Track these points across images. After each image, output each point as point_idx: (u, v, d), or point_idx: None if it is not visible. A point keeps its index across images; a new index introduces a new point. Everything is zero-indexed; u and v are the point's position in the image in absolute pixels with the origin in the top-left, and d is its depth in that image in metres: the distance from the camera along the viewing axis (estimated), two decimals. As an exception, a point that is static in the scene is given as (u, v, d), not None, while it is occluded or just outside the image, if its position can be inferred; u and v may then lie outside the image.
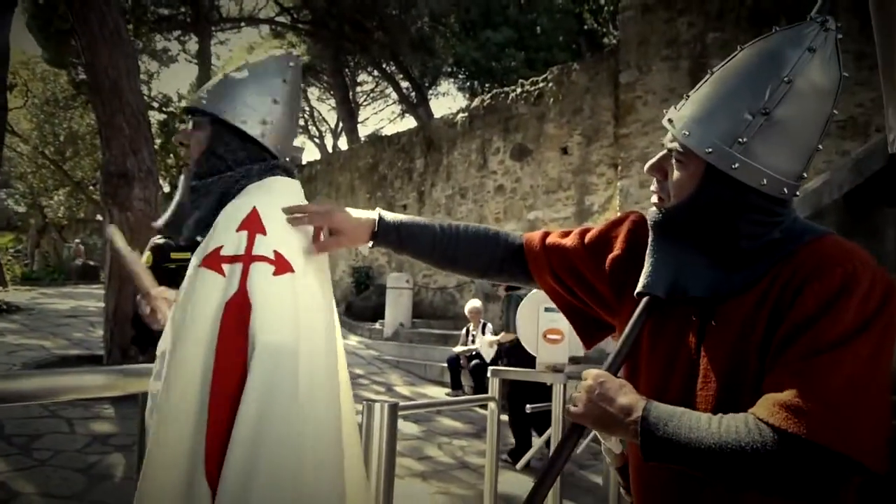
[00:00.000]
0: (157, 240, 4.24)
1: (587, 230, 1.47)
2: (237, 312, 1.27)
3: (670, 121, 1.20)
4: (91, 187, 24.64)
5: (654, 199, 1.25)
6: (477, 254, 1.51)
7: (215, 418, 1.20)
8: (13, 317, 9.92)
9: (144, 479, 1.21)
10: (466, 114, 14.72)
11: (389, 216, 1.49)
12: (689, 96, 1.20)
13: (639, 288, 1.24)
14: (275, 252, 1.35)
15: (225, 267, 1.32)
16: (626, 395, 1.13)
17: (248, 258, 1.33)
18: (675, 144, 1.18)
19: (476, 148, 14.27)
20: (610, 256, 1.38)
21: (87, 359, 7.59)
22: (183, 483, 1.18)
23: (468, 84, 21.79)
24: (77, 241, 27.60)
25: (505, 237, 1.54)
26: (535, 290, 4.21)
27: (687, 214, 1.18)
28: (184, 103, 25.50)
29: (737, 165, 1.10)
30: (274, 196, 1.47)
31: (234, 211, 1.42)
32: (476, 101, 14.88)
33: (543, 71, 13.61)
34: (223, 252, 1.34)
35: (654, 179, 1.25)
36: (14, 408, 5.43)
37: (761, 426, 1.00)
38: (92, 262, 24.05)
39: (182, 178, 1.63)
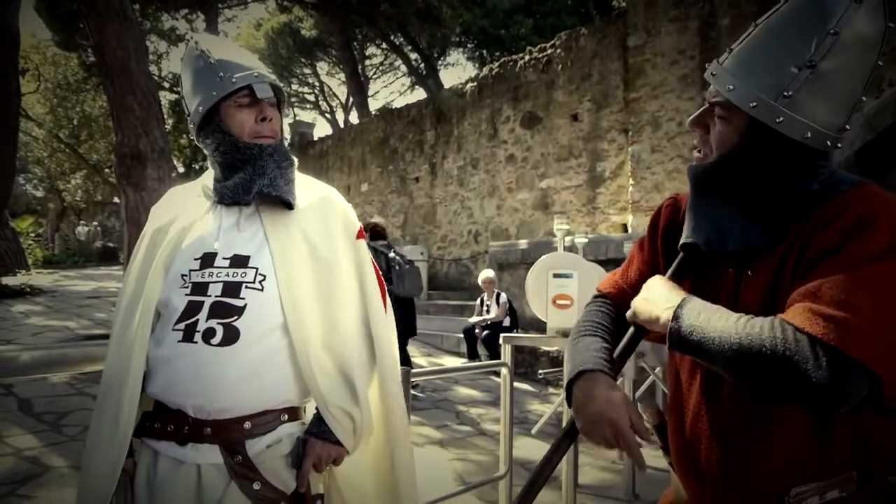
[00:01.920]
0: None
1: (641, 243, 1.49)
2: (378, 273, 1.79)
3: (713, 74, 1.19)
4: (107, 169, 24.82)
5: (696, 153, 1.26)
6: None
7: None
8: (37, 299, 10.12)
9: (384, 377, 1.70)
10: (475, 83, 14.65)
11: (605, 364, 1.29)
12: (731, 49, 1.20)
13: (682, 241, 1.26)
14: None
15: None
16: (672, 290, 1.20)
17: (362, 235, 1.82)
18: (719, 99, 1.18)
19: (486, 118, 14.22)
20: (659, 230, 1.42)
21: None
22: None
23: (477, 53, 21.61)
24: (95, 223, 27.92)
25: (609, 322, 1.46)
26: (544, 256, 4.26)
27: (729, 168, 1.18)
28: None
29: (781, 119, 1.10)
30: None
31: (340, 195, 1.83)
32: (485, 70, 14.79)
33: (552, 37, 13.48)
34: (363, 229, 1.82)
35: (697, 134, 1.25)
36: (42, 387, 5.60)
37: (784, 325, 1.00)
38: (111, 244, 24.34)
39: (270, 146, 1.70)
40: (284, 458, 1.54)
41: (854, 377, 0.95)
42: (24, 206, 31.26)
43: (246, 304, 1.55)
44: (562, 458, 1.21)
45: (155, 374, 1.55)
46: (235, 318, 1.53)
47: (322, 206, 1.74)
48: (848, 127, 1.14)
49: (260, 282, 1.58)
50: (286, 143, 1.77)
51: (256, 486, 1.49)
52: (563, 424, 3.73)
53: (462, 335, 9.18)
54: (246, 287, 1.57)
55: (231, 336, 1.51)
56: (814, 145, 1.11)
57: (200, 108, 1.65)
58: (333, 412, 1.56)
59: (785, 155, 1.13)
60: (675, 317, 1.11)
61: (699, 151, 1.25)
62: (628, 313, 1.26)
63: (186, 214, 1.71)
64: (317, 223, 1.69)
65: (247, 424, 1.51)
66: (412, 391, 7.08)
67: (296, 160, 1.76)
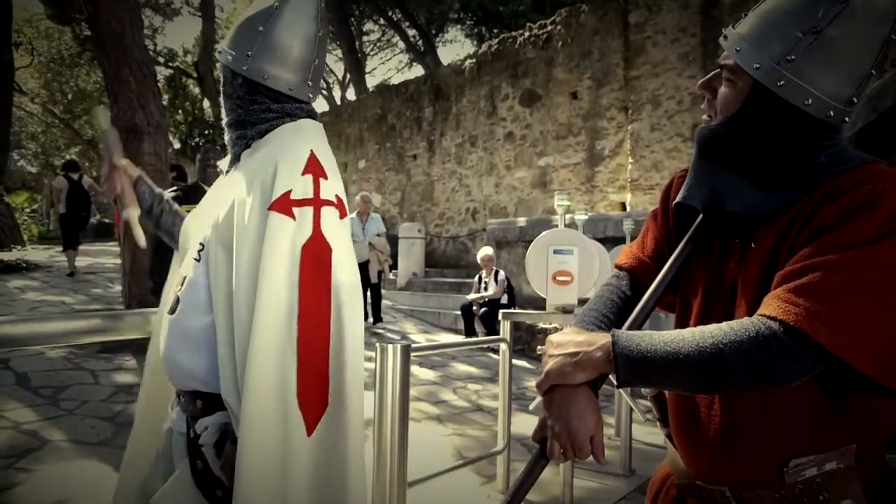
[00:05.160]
0: (168, 193, 4.31)
1: (654, 214, 1.45)
2: (316, 255, 1.37)
3: (725, 37, 1.19)
4: (102, 145, 24.67)
5: (704, 116, 1.25)
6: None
7: (306, 351, 1.33)
8: (33, 274, 10.07)
9: (244, 411, 1.31)
10: (474, 60, 14.52)
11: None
12: (745, 15, 1.19)
13: (678, 198, 1.25)
14: (336, 196, 1.46)
15: (295, 210, 1.39)
16: (581, 334, 1.15)
17: (317, 202, 1.41)
18: (728, 62, 1.17)
19: (485, 95, 14.12)
20: (670, 202, 1.38)
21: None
22: (277, 411, 1.31)
23: (475, 30, 21.45)
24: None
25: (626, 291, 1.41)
26: (545, 232, 4.24)
27: (731, 131, 1.17)
28: (189, 58, 25.30)
29: (782, 83, 1.09)
30: (318, 139, 1.55)
31: (294, 154, 1.46)
32: (483, 47, 14.66)
33: (552, 13, 13.35)
34: (293, 196, 1.40)
35: (705, 98, 1.25)
36: (39, 361, 5.59)
37: (747, 318, 1.03)
38: (107, 220, 24.25)
39: None
40: (213, 448, 1.44)
41: (815, 359, 0.98)
42: (19, 181, 31.09)
43: (187, 275, 1.52)
44: (536, 480, 1.17)
45: None
46: (180, 287, 1.52)
47: (256, 169, 1.47)
48: (856, 100, 1.12)
49: (199, 252, 1.51)
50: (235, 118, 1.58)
51: (198, 465, 1.43)
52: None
53: (459, 312, 9.19)
54: (193, 257, 1.54)
55: (175, 306, 1.51)
56: (814, 113, 1.10)
57: None
58: (230, 403, 1.38)
59: (786, 121, 1.12)
60: (617, 348, 1.06)
61: (708, 115, 1.24)
62: (540, 390, 1.17)
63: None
64: (245, 190, 1.45)
65: (199, 402, 1.47)
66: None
67: (227, 134, 1.61)
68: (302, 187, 1.41)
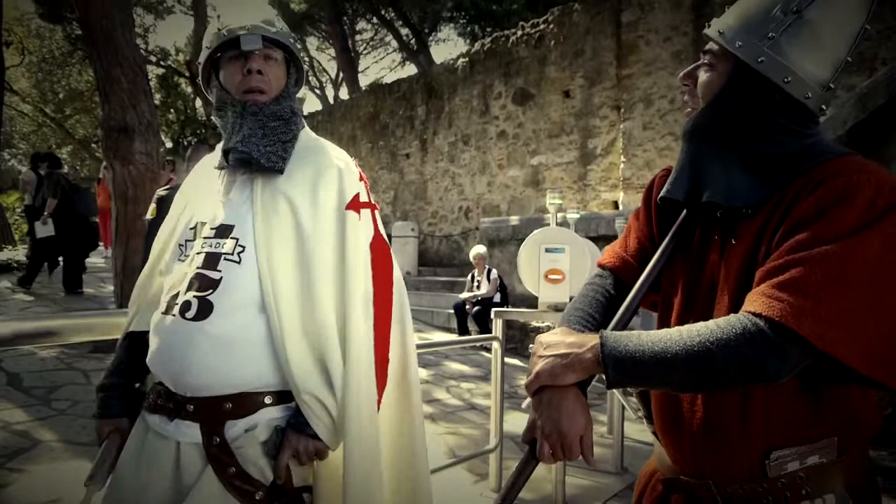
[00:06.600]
0: (161, 192, 4.30)
1: (637, 213, 1.46)
2: (381, 252, 1.59)
3: (708, 25, 1.23)
4: (93, 145, 24.60)
5: (688, 109, 1.27)
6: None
7: (379, 336, 1.54)
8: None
9: (348, 393, 1.46)
10: (467, 59, 14.52)
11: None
12: (728, 7, 1.23)
13: (662, 193, 1.26)
14: (375, 201, 1.66)
15: (362, 212, 1.59)
16: (570, 335, 1.17)
17: (372, 205, 1.63)
18: (710, 47, 1.21)
19: (477, 93, 14.11)
20: (653, 201, 1.40)
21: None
22: (369, 392, 1.49)
23: (468, 29, 21.42)
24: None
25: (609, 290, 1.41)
26: (536, 231, 4.25)
27: (712, 114, 1.19)
28: (181, 57, 25.21)
29: (762, 59, 1.12)
30: None
31: (346, 161, 1.64)
32: (476, 46, 14.65)
33: (545, 12, 13.34)
34: (361, 198, 1.60)
35: (686, 90, 1.27)
36: (31, 361, 5.57)
37: (733, 316, 1.04)
38: (97, 220, 24.13)
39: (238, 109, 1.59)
40: (262, 446, 1.44)
41: (802, 354, 0.99)
42: (10, 181, 30.89)
43: (222, 278, 1.47)
44: (527, 480, 1.19)
45: (151, 345, 1.53)
46: (210, 291, 1.46)
47: (316, 173, 1.57)
48: (832, 86, 1.15)
49: (238, 254, 1.49)
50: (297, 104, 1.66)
51: (231, 470, 1.41)
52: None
53: (452, 311, 9.20)
54: (224, 259, 1.49)
55: (204, 310, 1.45)
56: (793, 93, 1.12)
57: (199, 62, 1.65)
58: (306, 399, 1.44)
59: (765, 101, 1.14)
60: (606, 350, 1.08)
61: (690, 108, 1.26)
62: (529, 391, 1.19)
63: (205, 182, 1.67)
64: (307, 192, 1.55)
65: (227, 405, 1.44)
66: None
67: (297, 121, 1.64)
68: (365, 192, 1.62)
